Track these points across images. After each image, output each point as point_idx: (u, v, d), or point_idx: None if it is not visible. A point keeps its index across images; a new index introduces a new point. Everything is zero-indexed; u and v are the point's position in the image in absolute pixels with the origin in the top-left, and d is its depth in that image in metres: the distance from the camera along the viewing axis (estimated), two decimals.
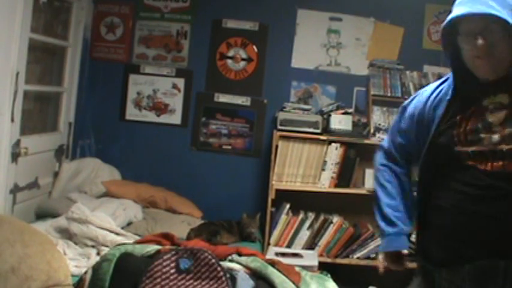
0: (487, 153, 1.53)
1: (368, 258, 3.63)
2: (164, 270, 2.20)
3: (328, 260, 3.63)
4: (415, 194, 1.81)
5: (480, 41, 1.50)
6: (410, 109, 1.84)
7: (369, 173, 3.62)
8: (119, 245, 2.48)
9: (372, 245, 3.61)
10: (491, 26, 1.49)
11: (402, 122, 1.86)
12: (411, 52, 3.91)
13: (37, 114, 3.66)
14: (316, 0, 3.92)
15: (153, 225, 3.35)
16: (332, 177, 3.65)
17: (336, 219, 3.69)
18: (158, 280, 2.17)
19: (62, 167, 3.72)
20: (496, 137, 1.53)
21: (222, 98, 4.01)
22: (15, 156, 3.10)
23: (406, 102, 1.89)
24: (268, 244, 3.58)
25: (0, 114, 2.91)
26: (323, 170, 3.64)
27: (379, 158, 1.94)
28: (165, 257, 2.23)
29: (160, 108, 4.03)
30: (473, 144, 1.55)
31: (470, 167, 1.55)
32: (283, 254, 3.39)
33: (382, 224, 1.84)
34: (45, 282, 2.16)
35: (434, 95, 1.76)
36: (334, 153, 3.63)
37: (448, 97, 1.67)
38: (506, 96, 1.55)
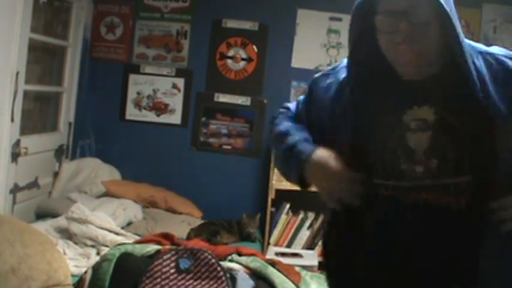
0: (410, 188, 1.26)
1: None
2: (164, 270, 2.20)
3: None
4: None
5: (405, 23, 1.19)
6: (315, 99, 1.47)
7: None
8: (119, 245, 2.48)
9: None
10: (419, 5, 1.19)
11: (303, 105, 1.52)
12: None
13: (37, 114, 3.66)
14: (316, 0, 3.92)
15: (153, 225, 3.35)
16: None
17: None
18: (158, 280, 2.17)
19: (62, 167, 3.72)
20: (420, 169, 1.25)
21: (222, 98, 4.00)
22: (15, 156, 3.10)
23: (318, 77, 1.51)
24: (268, 244, 3.58)
25: (0, 114, 2.91)
26: None
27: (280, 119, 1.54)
28: (165, 257, 2.24)
29: (160, 108, 4.02)
30: (392, 177, 1.27)
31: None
32: (283, 254, 3.39)
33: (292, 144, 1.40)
34: (45, 282, 2.16)
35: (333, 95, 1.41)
36: None
37: (352, 103, 1.33)
38: (432, 112, 1.24)
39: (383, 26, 1.23)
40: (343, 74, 1.39)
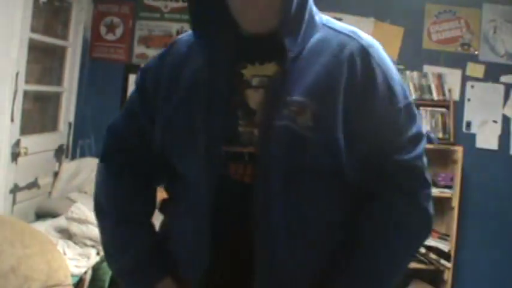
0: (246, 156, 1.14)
1: None
2: None
3: None
4: None
5: None
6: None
7: None
8: None
9: None
10: None
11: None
12: (411, 52, 3.90)
13: (37, 114, 3.66)
14: (316, 0, 3.91)
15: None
16: None
17: None
18: None
19: (62, 167, 3.72)
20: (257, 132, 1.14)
21: None
22: (15, 156, 3.10)
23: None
24: None
25: (0, 114, 2.91)
26: None
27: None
28: None
29: None
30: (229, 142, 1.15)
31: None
32: None
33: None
34: (45, 282, 2.16)
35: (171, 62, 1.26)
36: None
37: (195, 65, 1.20)
38: (274, 64, 1.15)
39: None
40: (179, 49, 1.27)
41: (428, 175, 1.20)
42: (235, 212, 1.15)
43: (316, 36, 1.19)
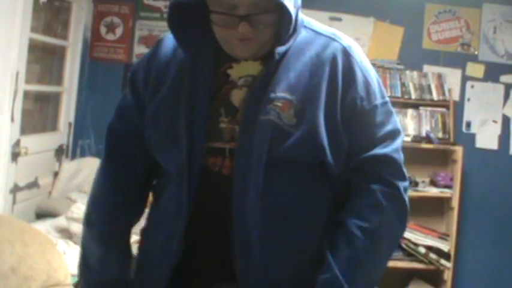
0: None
1: None
2: None
3: None
4: None
5: (246, 26, 1.12)
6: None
7: None
8: None
9: None
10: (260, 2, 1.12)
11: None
12: (411, 52, 3.91)
13: (37, 114, 3.66)
14: (316, 0, 3.92)
15: None
16: None
17: None
18: None
19: (62, 166, 3.72)
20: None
21: None
22: (15, 156, 3.10)
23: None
24: None
25: (0, 114, 2.91)
26: None
27: None
28: None
29: None
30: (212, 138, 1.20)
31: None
32: None
33: None
34: (45, 282, 2.16)
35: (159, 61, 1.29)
36: None
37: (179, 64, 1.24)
38: (259, 64, 1.21)
39: (217, 20, 1.15)
40: (166, 48, 1.30)
41: (405, 169, 1.25)
42: (213, 203, 1.20)
43: (299, 37, 1.23)
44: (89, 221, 1.35)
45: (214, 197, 1.20)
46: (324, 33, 1.26)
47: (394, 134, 1.23)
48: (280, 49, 1.17)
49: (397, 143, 1.23)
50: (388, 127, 1.23)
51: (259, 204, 1.15)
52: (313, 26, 1.28)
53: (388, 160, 1.21)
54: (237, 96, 1.20)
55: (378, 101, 1.23)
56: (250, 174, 1.15)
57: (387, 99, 1.27)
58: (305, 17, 1.29)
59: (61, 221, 3.02)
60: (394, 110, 1.28)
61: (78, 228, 2.89)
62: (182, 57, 1.24)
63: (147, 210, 1.42)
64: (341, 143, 1.18)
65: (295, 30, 1.21)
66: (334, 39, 1.24)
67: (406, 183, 1.24)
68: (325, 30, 1.27)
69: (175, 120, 1.20)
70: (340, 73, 1.20)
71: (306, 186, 1.20)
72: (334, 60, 1.20)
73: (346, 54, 1.22)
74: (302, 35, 1.24)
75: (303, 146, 1.16)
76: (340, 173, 1.21)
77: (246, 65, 1.22)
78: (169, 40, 1.30)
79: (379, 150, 1.20)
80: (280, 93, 1.16)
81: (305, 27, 1.26)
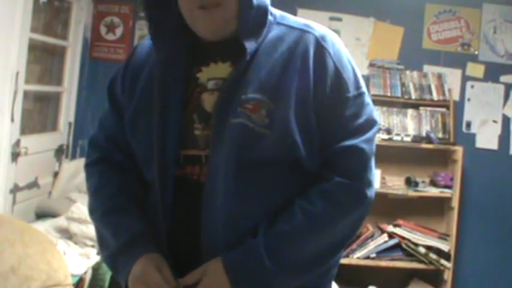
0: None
1: (368, 258, 3.62)
2: None
3: None
4: None
5: None
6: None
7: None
8: None
9: (372, 245, 3.61)
10: None
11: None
12: (411, 52, 3.91)
13: (37, 114, 3.66)
14: (316, 0, 3.92)
15: None
16: None
17: None
18: None
19: (62, 167, 3.72)
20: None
21: None
22: (15, 156, 3.10)
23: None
24: None
25: (0, 114, 2.91)
26: None
27: None
28: None
29: None
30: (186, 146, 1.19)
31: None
32: None
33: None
34: (45, 282, 2.16)
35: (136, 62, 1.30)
36: None
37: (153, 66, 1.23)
38: (229, 66, 1.19)
39: None
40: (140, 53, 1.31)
41: (373, 162, 1.22)
42: (189, 209, 1.18)
43: (271, 35, 1.21)
44: (91, 210, 1.32)
45: (194, 206, 1.17)
46: (296, 27, 1.22)
47: (366, 127, 1.19)
48: (250, 48, 1.15)
49: (369, 134, 1.19)
50: (361, 119, 1.19)
51: (229, 209, 1.14)
52: (287, 21, 1.24)
53: (356, 151, 1.17)
54: (208, 101, 1.18)
55: (351, 93, 1.19)
56: (220, 179, 1.13)
57: (363, 90, 1.22)
58: (279, 12, 1.26)
59: (61, 221, 3.02)
60: (370, 101, 1.23)
61: (78, 228, 2.89)
62: (154, 62, 1.22)
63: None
64: (314, 138, 1.16)
65: (264, 22, 1.19)
66: (306, 31, 1.21)
67: (372, 176, 1.21)
68: (298, 22, 1.24)
69: (150, 129, 1.19)
70: (311, 66, 1.16)
71: (282, 185, 1.18)
72: (305, 53, 1.17)
73: (319, 45, 1.19)
74: (274, 31, 1.21)
75: (276, 146, 1.13)
76: (315, 169, 1.18)
77: (215, 68, 1.20)
78: (143, 46, 1.31)
79: (347, 142, 1.16)
80: (251, 94, 1.14)
81: (278, 23, 1.23)
